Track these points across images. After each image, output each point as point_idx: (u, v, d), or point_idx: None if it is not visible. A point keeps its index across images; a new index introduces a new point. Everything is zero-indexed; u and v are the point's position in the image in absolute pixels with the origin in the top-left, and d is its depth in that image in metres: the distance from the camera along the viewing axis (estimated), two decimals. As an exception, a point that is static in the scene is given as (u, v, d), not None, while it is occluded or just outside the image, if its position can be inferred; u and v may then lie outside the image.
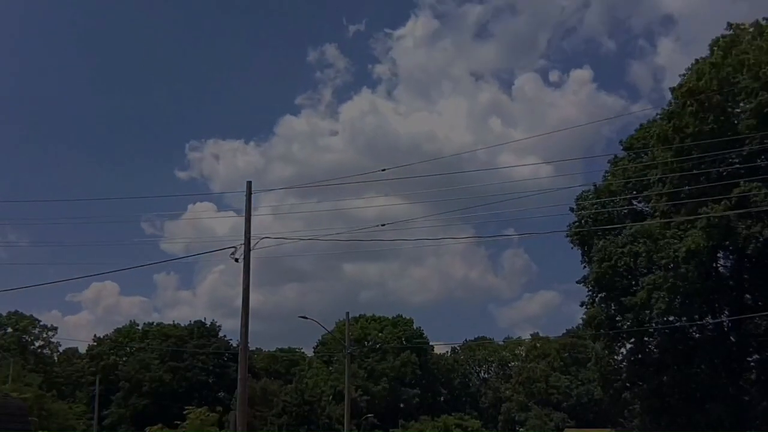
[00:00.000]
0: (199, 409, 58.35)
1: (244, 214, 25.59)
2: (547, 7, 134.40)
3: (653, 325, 45.42)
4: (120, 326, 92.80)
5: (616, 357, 50.31)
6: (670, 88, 41.72)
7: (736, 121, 39.04)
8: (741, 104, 38.13)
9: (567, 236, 48.87)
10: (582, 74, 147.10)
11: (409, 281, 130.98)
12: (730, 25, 40.29)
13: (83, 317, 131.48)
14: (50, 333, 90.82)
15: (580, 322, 52.71)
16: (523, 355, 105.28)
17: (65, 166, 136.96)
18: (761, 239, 36.61)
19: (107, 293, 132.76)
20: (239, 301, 25.07)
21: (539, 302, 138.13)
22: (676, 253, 39.13)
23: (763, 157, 36.83)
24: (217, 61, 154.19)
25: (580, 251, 48.90)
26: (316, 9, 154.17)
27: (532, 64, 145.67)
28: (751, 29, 39.62)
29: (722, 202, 35.82)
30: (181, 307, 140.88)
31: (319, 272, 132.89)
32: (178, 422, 59.39)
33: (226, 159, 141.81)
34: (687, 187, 38.71)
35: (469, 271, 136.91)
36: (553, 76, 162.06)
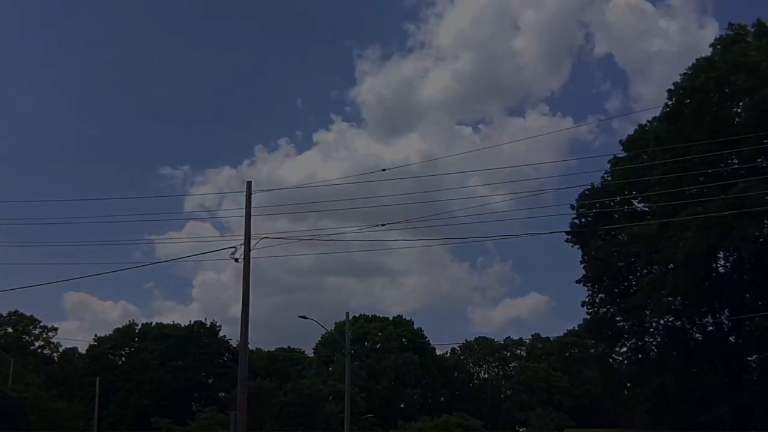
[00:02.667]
0: (208, 408, 58.41)
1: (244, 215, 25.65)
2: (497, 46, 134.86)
3: (653, 325, 45.49)
4: (119, 326, 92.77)
5: (616, 357, 50.40)
6: (667, 90, 41.77)
7: (734, 121, 39.02)
8: (741, 103, 38.07)
9: (567, 237, 48.94)
10: (538, 110, 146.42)
11: (395, 292, 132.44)
12: (730, 25, 40.27)
13: (71, 324, 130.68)
14: (50, 333, 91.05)
15: (579, 323, 52.77)
16: (524, 355, 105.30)
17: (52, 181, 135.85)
18: (760, 240, 36.63)
19: (83, 304, 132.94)
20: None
21: (522, 307, 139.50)
22: (676, 254, 39.11)
23: (761, 158, 36.84)
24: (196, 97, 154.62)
25: (578, 252, 49.05)
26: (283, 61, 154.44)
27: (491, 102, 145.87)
28: (752, 29, 39.62)
29: (721, 202, 35.82)
30: (172, 315, 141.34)
31: (303, 286, 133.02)
32: (189, 421, 59.36)
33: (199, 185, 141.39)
34: (686, 188, 38.71)
35: (453, 281, 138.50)
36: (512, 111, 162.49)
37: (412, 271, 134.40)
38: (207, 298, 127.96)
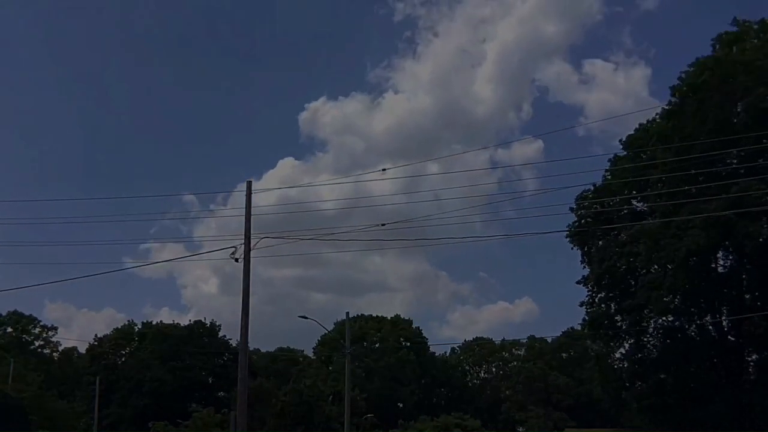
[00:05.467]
0: (205, 410, 58.35)
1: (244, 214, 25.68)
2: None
3: (653, 324, 45.55)
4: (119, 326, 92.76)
5: (615, 356, 50.41)
6: (670, 87, 41.75)
7: (735, 120, 39.05)
8: (739, 103, 38.07)
9: (567, 237, 49.02)
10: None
11: (387, 306, 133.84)
12: (735, 22, 40.14)
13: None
14: (50, 333, 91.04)
15: (568, 325, 52.77)
16: (523, 355, 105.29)
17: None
18: (760, 238, 36.70)
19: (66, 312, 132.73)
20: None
21: (513, 311, 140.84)
22: (676, 253, 39.14)
23: (761, 158, 36.87)
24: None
25: (567, 254, 49.34)
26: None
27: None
28: (755, 26, 39.59)
29: (721, 201, 35.88)
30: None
31: (285, 298, 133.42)
32: (180, 421, 59.39)
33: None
34: (686, 187, 38.73)
35: (443, 291, 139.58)
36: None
37: (403, 288, 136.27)
38: (197, 309, 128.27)
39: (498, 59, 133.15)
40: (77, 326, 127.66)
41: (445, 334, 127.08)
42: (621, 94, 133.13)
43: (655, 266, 42.86)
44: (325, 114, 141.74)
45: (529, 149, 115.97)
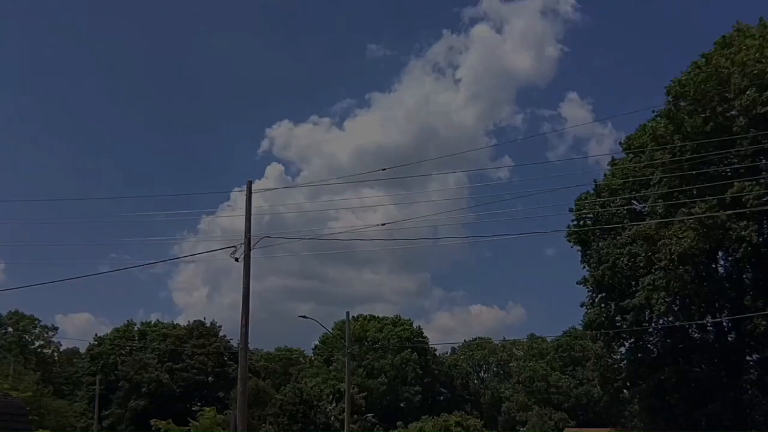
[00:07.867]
0: (208, 409, 58.44)
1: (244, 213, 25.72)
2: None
3: (653, 325, 45.56)
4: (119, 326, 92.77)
5: (615, 357, 50.42)
6: (665, 88, 41.59)
7: (732, 121, 38.95)
8: (735, 103, 37.88)
9: (566, 237, 49.05)
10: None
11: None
12: (738, 24, 39.95)
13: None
14: (51, 333, 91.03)
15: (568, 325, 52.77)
16: (522, 354, 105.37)
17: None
18: (756, 240, 36.65)
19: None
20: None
21: (510, 313, 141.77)
22: (674, 255, 39.14)
23: (756, 158, 36.83)
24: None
25: (573, 253, 49.39)
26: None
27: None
28: (754, 30, 39.46)
29: (716, 202, 35.81)
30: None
31: (275, 306, 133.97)
32: (190, 419, 59.31)
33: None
34: (683, 187, 38.66)
35: (435, 298, 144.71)
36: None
37: (397, 300, 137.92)
38: (186, 315, 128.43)
39: (468, 93, 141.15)
40: (69, 331, 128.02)
41: (437, 339, 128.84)
42: (584, 127, 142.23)
43: (655, 267, 42.85)
44: (293, 140, 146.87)
45: (506, 170, 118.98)
